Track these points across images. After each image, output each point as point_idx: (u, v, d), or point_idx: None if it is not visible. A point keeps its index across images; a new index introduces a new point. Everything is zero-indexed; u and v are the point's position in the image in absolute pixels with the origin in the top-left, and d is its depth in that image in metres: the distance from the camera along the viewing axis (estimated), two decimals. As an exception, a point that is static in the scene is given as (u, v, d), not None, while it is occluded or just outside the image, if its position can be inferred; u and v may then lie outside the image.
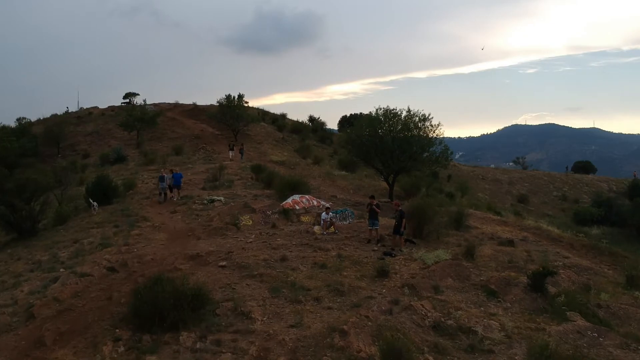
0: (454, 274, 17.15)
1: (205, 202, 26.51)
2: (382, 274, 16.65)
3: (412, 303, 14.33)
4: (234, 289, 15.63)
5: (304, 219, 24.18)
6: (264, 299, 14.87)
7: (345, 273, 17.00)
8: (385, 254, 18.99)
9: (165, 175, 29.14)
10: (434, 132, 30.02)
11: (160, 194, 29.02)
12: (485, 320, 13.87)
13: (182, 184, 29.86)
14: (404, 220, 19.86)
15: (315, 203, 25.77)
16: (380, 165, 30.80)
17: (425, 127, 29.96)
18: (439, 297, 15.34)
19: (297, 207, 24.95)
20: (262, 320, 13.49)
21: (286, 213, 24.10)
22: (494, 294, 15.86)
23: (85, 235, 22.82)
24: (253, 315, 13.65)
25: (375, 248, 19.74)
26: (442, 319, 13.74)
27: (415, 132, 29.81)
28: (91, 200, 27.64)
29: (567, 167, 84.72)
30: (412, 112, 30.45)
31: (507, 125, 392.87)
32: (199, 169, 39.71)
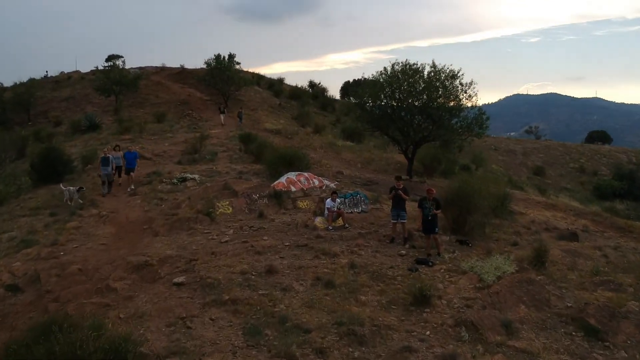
0: (527, 297, 11.33)
1: (175, 181, 20.58)
2: (421, 300, 10.83)
3: (480, 364, 8.54)
4: (190, 328, 9.85)
5: (302, 205, 18.28)
6: (233, 351, 9.08)
7: (363, 297, 11.17)
8: (418, 261, 13.15)
9: (111, 156, 21.25)
10: (465, 92, 23.83)
11: (103, 183, 20.81)
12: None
13: (136, 166, 21.89)
14: (440, 212, 13.99)
15: (316, 183, 19.83)
16: (398, 135, 24.78)
17: (454, 87, 23.75)
18: (516, 343, 9.54)
19: (293, 189, 19.04)
20: (225, 405, 7.72)
21: (278, 197, 18.20)
22: (596, 333, 10.09)
23: (10, 227, 17.00)
24: (212, 392, 7.86)
25: (403, 252, 13.87)
26: (538, 398, 7.98)
27: (441, 92, 23.60)
28: (62, 186, 19.92)
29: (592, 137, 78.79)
30: (437, 68, 24.19)
31: (508, 95, 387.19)
32: (179, 138, 33.66)
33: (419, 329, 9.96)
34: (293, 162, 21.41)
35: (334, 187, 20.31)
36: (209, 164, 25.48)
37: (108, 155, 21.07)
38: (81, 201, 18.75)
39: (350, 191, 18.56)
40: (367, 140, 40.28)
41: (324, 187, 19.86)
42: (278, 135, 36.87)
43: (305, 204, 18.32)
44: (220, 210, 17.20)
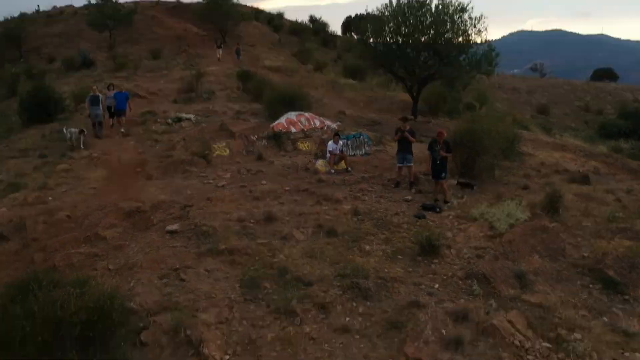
0: (541, 246, 10.68)
1: (170, 121, 19.67)
2: (429, 250, 10.18)
3: (493, 322, 7.95)
4: (183, 280, 9.25)
5: (303, 146, 17.49)
6: (230, 305, 8.51)
7: (367, 247, 10.53)
8: (425, 207, 12.45)
9: (100, 95, 19.69)
10: (474, 26, 22.45)
11: (94, 124, 19.35)
12: (628, 355, 7.65)
13: (127, 108, 20.19)
14: (450, 155, 13.18)
15: (317, 124, 18.93)
16: (402, 72, 23.59)
17: (463, 22, 22.34)
18: (531, 298, 8.96)
19: (294, 130, 18.18)
20: (220, 367, 7.18)
21: (277, 139, 17.37)
22: (615, 285, 9.50)
23: (-2, 170, 16.26)
24: (207, 351, 7.31)
25: (409, 197, 13.15)
26: (556, 358, 7.44)
27: (449, 27, 22.24)
28: (65, 130, 18.23)
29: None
30: (445, 1, 22.70)
31: (512, 32, 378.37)
32: (174, 75, 32.45)
33: (427, 281, 9.36)
34: (293, 102, 20.41)
35: (336, 127, 19.42)
36: (206, 103, 24.50)
37: (97, 93, 19.62)
38: (83, 147, 17.63)
39: (352, 132, 17.69)
40: (369, 79, 39.01)
41: (325, 128, 18.99)
42: (278, 72, 35.60)
43: (305, 145, 17.52)
44: (216, 153, 16.42)
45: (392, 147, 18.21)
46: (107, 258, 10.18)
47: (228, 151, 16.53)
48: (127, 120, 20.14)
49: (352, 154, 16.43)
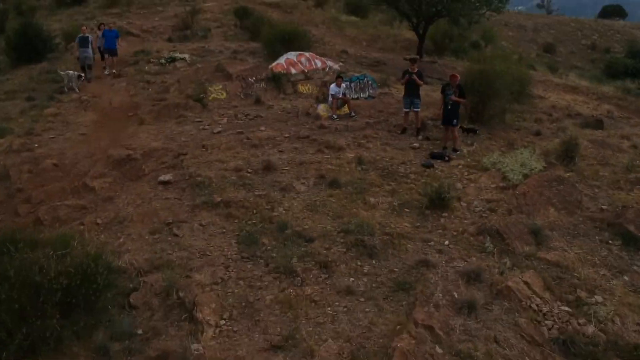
0: (557, 198, 10.06)
1: (163, 62, 18.63)
2: (438, 203, 9.56)
3: (508, 283, 7.42)
4: (176, 235, 8.70)
5: (303, 89, 16.56)
6: (226, 264, 7.98)
7: (372, 199, 9.91)
8: (433, 156, 11.74)
9: (90, 36, 17.85)
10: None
11: (82, 67, 17.47)
12: (653, 318, 7.16)
13: (118, 48, 18.58)
14: (461, 102, 12.30)
15: (318, 64, 17.92)
16: (408, 9, 22.27)
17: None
18: (547, 255, 8.41)
19: (293, 71, 17.18)
20: (216, 333, 6.68)
21: (277, 80, 16.43)
22: (635, 241, 8.94)
23: (-17, 113, 15.43)
24: (200, 315, 6.81)
25: (416, 144, 12.41)
26: (576, 323, 6.94)
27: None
28: (62, 72, 16.86)
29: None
30: None
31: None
32: (170, 12, 30.93)
33: (436, 237, 8.78)
34: (293, 40, 19.28)
35: (338, 68, 18.44)
36: (201, 42, 23.29)
37: (87, 34, 17.82)
38: (77, 90, 16.41)
39: (356, 74, 16.71)
40: (372, 15, 37.42)
41: (327, 69, 17.99)
42: (277, 9, 33.97)
43: (306, 88, 16.59)
44: (212, 96, 15.53)
45: (398, 90, 17.32)
46: (95, 211, 9.59)
47: (225, 94, 15.64)
48: (118, 60, 19.10)
49: (356, 97, 15.55)
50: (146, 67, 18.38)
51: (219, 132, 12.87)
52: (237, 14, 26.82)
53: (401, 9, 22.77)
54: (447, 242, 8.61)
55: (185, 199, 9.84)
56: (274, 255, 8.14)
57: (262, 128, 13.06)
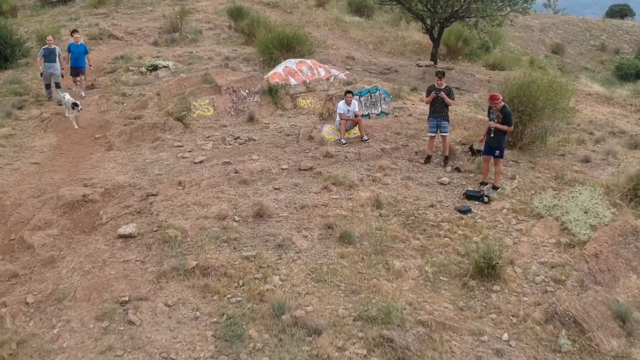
0: (638, 259, 7.67)
1: (144, 70, 16.21)
2: (486, 270, 7.14)
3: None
4: (132, 323, 6.31)
5: (304, 104, 14.19)
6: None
7: (397, 263, 7.50)
8: (468, 196, 9.33)
9: (57, 48, 14.45)
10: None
11: (48, 86, 14.41)
12: None
13: (87, 66, 15.01)
14: (506, 130, 9.69)
15: (322, 73, 15.54)
16: (423, 10, 19.87)
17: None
18: (646, 355, 6.00)
19: (293, 82, 14.81)
20: None
21: (274, 93, 14.06)
22: None
23: None
24: None
25: (445, 179, 9.98)
26: None
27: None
28: (59, 91, 13.74)
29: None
30: None
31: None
32: (158, 12, 28.54)
33: (489, 326, 6.38)
34: (293, 46, 16.92)
35: (345, 77, 16.05)
36: (191, 46, 20.91)
37: (53, 45, 14.39)
38: (73, 121, 12.77)
39: (366, 86, 14.29)
40: (376, 16, 35.09)
41: (331, 79, 15.62)
42: (276, 9, 31.60)
43: (308, 102, 14.22)
44: (197, 112, 13.15)
45: (414, 104, 14.96)
46: (29, 281, 7.18)
47: (212, 110, 13.25)
48: (94, 67, 16.68)
49: (366, 113, 13.16)
50: (124, 77, 15.97)
51: (201, 162, 10.47)
52: (232, 14, 24.40)
53: (414, 9, 20.31)
54: (506, 336, 6.20)
55: (150, 262, 7.44)
56: (266, 359, 5.75)
57: (255, 157, 10.66)
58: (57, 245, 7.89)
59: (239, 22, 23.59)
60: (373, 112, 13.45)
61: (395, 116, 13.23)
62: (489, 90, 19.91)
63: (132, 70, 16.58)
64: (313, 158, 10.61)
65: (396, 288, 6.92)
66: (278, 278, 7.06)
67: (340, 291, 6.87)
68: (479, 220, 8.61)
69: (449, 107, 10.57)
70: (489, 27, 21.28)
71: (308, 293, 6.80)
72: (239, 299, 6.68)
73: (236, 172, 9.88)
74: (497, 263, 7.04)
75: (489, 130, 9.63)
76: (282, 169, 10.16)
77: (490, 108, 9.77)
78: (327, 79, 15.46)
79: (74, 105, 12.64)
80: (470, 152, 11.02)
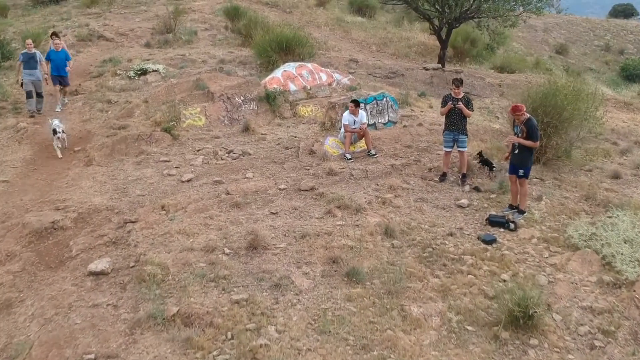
0: (695, 304, 6.53)
1: (132, 74, 15.07)
2: (522, 320, 5.99)
3: None
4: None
5: (304, 112, 13.07)
6: None
7: (415, 307, 6.36)
8: (492, 222, 8.19)
9: (38, 52, 13.04)
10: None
11: (29, 95, 12.75)
12: None
13: (68, 74, 13.60)
14: (530, 145, 8.45)
15: (324, 78, 14.41)
16: (432, 10, 18.72)
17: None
18: None
19: (293, 88, 13.69)
20: None
21: (271, 100, 12.94)
22: None
23: None
24: None
25: (464, 200, 8.84)
26: None
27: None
28: (50, 120, 11.57)
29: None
30: None
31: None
32: (153, 12, 27.41)
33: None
34: (292, 48, 15.77)
35: (348, 82, 14.92)
36: (185, 47, 19.79)
37: (34, 50, 12.93)
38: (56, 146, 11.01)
39: (372, 93, 13.13)
40: (379, 15, 34.01)
41: (334, 84, 14.49)
42: (274, 8, 30.47)
43: (308, 110, 13.09)
44: (188, 122, 12.02)
45: (423, 111, 13.85)
46: (-23, 332, 6.04)
47: (203, 120, 12.11)
48: (78, 71, 15.58)
49: (372, 123, 12.03)
50: (110, 82, 14.83)
51: (189, 181, 9.33)
52: (228, 14, 23.26)
53: (421, 9, 19.15)
54: (552, 411, 5.07)
55: (123, 306, 6.31)
56: None
57: (249, 174, 9.52)
58: (17, 285, 6.76)
59: (235, 22, 22.45)
60: (380, 121, 12.32)
61: (405, 126, 12.09)
62: (500, 94, 18.84)
63: (119, 74, 15.44)
64: (315, 176, 9.47)
65: (415, 342, 5.80)
66: (274, 329, 5.93)
67: (348, 347, 5.74)
68: (506, 252, 7.47)
69: (467, 119, 9.41)
70: (500, 28, 20.10)
71: (310, 349, 5.67)
72: (227, 356, 5.56)
73: (228, 193, 8.74)
74: (535, 312, 5.90)
75: (513, 146, 8.51)
76: (280, 189, 9.02)
77: (514, 121, 8.65)
78: (329, 84, 14.33)
79: (54, 131, 10.88)
80: (478, 160, 9.92)
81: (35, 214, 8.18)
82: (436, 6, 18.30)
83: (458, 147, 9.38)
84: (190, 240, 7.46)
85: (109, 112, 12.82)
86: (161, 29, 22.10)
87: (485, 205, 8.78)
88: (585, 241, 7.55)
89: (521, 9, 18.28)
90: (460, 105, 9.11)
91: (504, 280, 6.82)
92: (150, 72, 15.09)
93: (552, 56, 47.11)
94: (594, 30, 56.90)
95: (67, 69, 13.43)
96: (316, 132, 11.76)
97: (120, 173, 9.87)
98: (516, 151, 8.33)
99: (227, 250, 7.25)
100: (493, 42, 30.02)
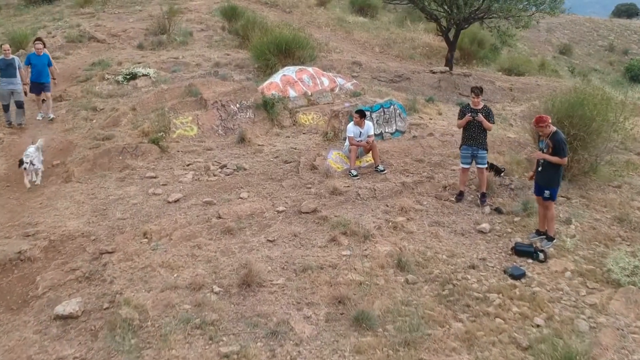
0: None
1: (120, 79, 14.09)
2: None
3: None
4: None
5: (305, 120, 12.12)
6: None
7: (436, 363, 5.39)
8: (518, 251, 7.21)
9: (16, 59, 11.75)
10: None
11: (6, 107, 11.71)
12: None
13: (51, 81, 12.28)
14: (558, 162, 7.43)
15: (326, 83, 13.45)
16: (438, 10, 17.73)
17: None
18: None
19: (292, 93, 12.73)
20: None
21: (270, 108, 11.97)
22: None
23: None
24: None
25: (484, 224, 7.84)
26: None
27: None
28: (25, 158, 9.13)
29: None
30: None
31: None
32: (148, 12, 26.43)
33: None
34: (292, 50, 14.81)
35: (351, 87, 13.97)
36: (180, 49, 18.84)
37: (11, 56, 11.61)
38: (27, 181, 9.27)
39: (378, 100, 12.14)
40: (381, 15, 33.08)
41: (336, 89, 13.54)
42: (274, 8, 29.50)
43: (309, 118, 12.14)
44: (178, 132, 11.07)
45: (431, 118, 12.89)
46: None
47: (195, 129, 11.14)
48: (64, 76, 14.60)
49: (379, 132, 11.06)
50: (97, 87, 13.86)
51: (176, 202, 8.35)
52: (225, 14, 22.28)
53: (427, 9, 18.16)
54: None
55: (94, 358, 5.34)
56: None
57: (244, 193, 8.54)
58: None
59: (233, 23, 21.49)
60: (387, 130, 11.36)
61: (414, 137, 11.12)
62: (511, 99, 17.88)
63: (107, 79, 14.46)
64: (317, 196, 8.49)
65: (439, 410, 4.83)
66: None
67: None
68: (537, 289, 6.50)
69: (487, 132, 8.43)
70: (511, 30, 19.12)
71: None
72: None
73: (219, 216, 7.77)
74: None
75: (537, 163, 7.54)
76: (278, 211, 8.04)
77: (538, 135, 7.67)
78: (332, 90, 13.37)
79: (20, 162, 9.16)
80: (493, 170, 9.04)
81: (0, 242, 7.21)
82: (444, 6, 17.29)
83: (477, 163, 8.41)
84: (175, 275, 6.49)
85: (94, 121, 11.84)
86: (155, 30, 21.11)
87: (509, 230, 7.81)
88: (628, 276, 6.58)
89: (534, 9, 17.27)
90: (480, 117, 8.14)
91: (538, 326, 5.85)
92: (140, 76, 14.10)
93: (555, 56, 46.35)
94: (597, 30, 56.12)
95: (53, 81, 12.35)
96: (318, 143, 10.80)
97: (101, 191, 8.89)
98: (540, 168, 7.35)
99: (216, 288, 6.28)
100: (503, 44, 29.12)
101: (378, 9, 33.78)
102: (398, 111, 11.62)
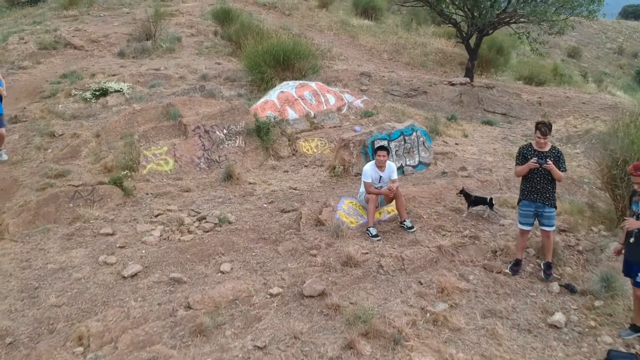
0: None
1: (88, 96, 11.90)
2: None
3: None
4: None
5: (307, 148, 9.95)
6: None
7: None
8: (614, 357, 5.00)
9: None
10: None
11: None
12: None
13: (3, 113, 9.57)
14: None
15: (332, 101, 11.29)
16: (460, 15, 15.54)
17: None
18: None
19: (292, 115, 10.55)
20: None
21: (264, 134, 9.76)
22: None
23: None
24: None
25: (559, 317, 5.63)
26: None
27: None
28: None
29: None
30: None
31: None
32: (135, 14, 24.28)
33: None
34: (291, 61, 12.62)
35: (362, 105, 11.80)
36: (165, 57, 16.70)
37: None
38: None
39: (397, 125, 9.92)
40: (385, 18, 30.95)
41: (344, 109, 11.35)
42: (272, 10, 27.33)
43: (313, 146, 9.97)
44: (150, 167, 8.89)
45: (457, 142, 10.70)
46: None
47: (171, 163, 8.97)
48: (24, 90, 12.44)
49: (398, 165, 8.88)
50: (60, 105, 11.67)
51: (133, 277, 6.15)
52: (218, 17, 20.09)
53: (446, 13, 15.96)
54: None
55: None
56: None
57: (226, 265, 6.32)
58: None
59: (226, 27, 19.30)
60: (408, 163, 9.19)
61: (444, 173, 8.93)
62: (542, 115, 15.63)
63: (74, 95, 12.29)
64: (324, 267, 6.28)
65: None
66: None
67: None
68: None
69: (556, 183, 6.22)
70: (544, 36, 16.94)
71: None
72: None
73: (188, 306, 5.56)
74: None
75: (627, 234, 5.35)
76: (272, 294, 5.83)
77: (633, 193, 5.45)
78: (339, 110, 11.20)
79: None
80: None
81: None
82: (465, 9, 15.09)
83: (542, 224, 6.20)
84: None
85: (49, 151, 9.66)
86: (139, 36, 18.94)
87: (592, 323, 5.60)
88: None
89: (569, 12, 15.08)
90: (550, 164, 5.93)
91: None
92: (111, 92, 11.93)
93: (564, 60, 44.49)
94: (605, 32, 54.32)
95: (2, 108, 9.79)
96: (324, 181, 8.62)
97: (38, 256, 6.70)
98: (632, 239, 5.17)
99: None
100: (534, 52, 26.98)
101: (383, 10, 31.72)
102: (422, 139, 9.44)
